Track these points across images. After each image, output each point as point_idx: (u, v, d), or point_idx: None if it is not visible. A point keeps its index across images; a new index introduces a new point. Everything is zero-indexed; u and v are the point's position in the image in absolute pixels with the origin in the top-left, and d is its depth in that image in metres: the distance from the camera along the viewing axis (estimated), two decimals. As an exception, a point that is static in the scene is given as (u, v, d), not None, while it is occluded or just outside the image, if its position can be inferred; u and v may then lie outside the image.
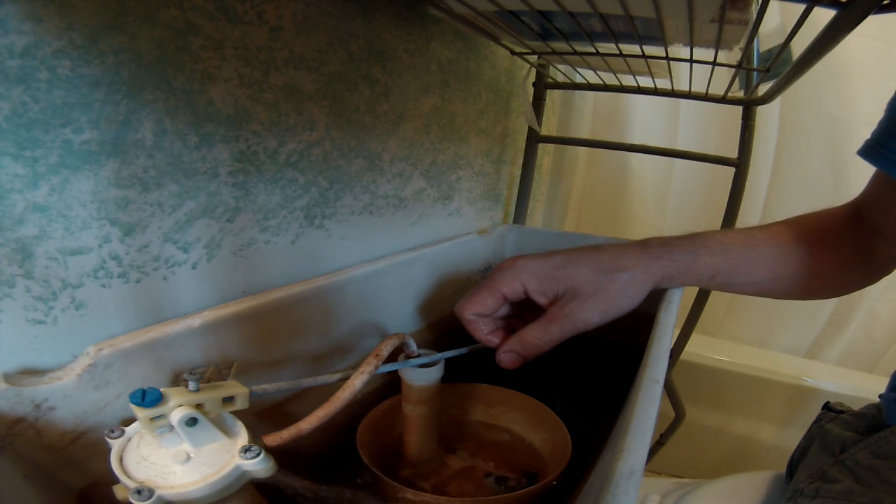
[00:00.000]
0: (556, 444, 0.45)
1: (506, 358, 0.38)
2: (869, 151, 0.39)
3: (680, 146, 0.93)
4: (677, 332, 0.78)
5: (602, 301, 0.36)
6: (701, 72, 0.48)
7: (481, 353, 0.42)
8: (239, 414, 0.28)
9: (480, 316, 0.39)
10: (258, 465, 0.25)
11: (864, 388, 0.89)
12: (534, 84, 0.70)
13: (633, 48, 0.43)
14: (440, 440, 0.46)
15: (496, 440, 0.51)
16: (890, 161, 0.37)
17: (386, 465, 0.44)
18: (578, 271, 0.36)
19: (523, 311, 0.42)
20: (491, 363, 0.40)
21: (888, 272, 0.43)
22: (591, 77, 0.64)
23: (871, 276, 0.43)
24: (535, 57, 0.57)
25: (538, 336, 0.37)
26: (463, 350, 0.41)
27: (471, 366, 0.43)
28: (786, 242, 0.41)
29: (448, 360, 0.41)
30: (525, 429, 0.49)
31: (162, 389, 0.24)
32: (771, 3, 0.29)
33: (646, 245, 0.39)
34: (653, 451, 0.95)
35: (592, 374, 0.60)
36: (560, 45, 0.47)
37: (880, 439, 0.39)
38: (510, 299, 0.39)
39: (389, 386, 0.47)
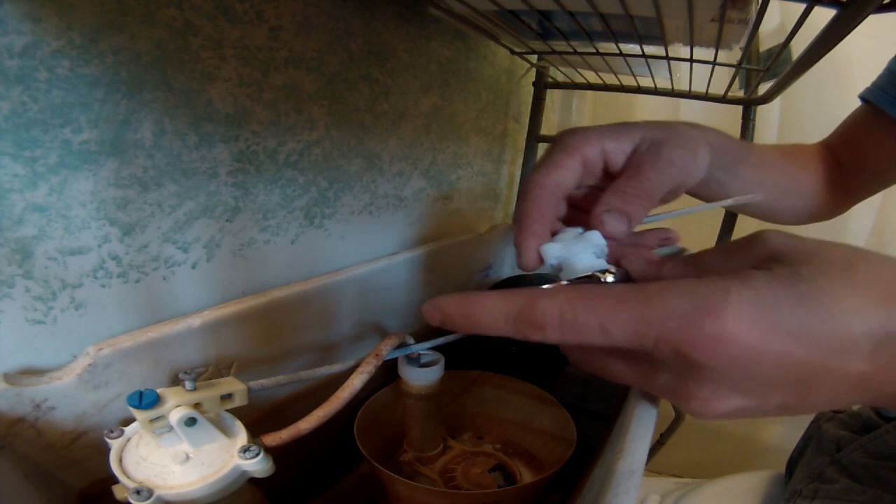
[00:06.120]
0: (560, 429, 0.46)
1: (611, 220, 0.27)
2: (868, 95, 0.45)
3: (680, 146, 0.93)
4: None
5: (678, 143, 0.30)
6: (701, 71, 0.48)
7: (483, 340, 0.42)
8: (238, 414, 0.28)
9: (556, 186, 0.29)
10: (257, 465, 0.25)
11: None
12: (534, 84, 0.70)
13: (633, 48, 0.43)
14: (443, 424, 0.46)
15: (498, 426, 0.51)
16: (889, 103, 0.43)
17: (385, 453, 0.45)
18: (645, 124, 0.31)
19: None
20: (492, 353, 0.40)
21: (855, 201, 0.48)
22: (591, 77, 0.64)
23: (842, 202, 0.48)
24: (535, 57, 0.57)
25: (635, 184, 0.28)
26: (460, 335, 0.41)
27: (474, 353, 0.43)
28: (773, 158, 0.43)
29: (450, 348, 0.40)
30: (527, 415, 0.50)
31: (159, 390, 0.24)
32: (771, 2, 0.29)
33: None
34: (653, 451, 0.95)
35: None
36: (560, 45, 0.47)
37: (874, 438, 0.40)
38: (589, 163, 0.30)
39: (389, 385, 0.47)
